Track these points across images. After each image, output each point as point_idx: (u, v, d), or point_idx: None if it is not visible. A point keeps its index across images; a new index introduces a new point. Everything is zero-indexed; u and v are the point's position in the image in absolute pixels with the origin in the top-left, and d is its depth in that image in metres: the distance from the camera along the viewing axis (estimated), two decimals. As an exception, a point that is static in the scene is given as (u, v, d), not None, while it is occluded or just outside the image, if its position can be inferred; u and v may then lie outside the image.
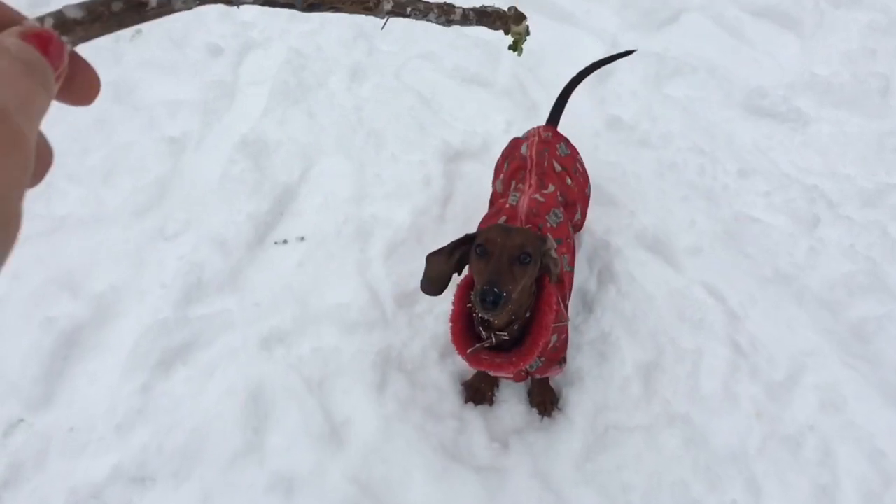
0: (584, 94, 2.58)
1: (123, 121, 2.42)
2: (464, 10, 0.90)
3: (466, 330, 1.54)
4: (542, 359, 1.55)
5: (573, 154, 1.96)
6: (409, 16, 0.72)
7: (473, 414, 1.79)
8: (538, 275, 1.43)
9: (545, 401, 1.82)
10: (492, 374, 1.65)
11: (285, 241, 2.18)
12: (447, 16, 0.86)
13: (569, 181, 1.85)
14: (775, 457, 1.72)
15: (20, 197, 0.29)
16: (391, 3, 0.71)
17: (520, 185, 1.78)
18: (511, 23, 0.98)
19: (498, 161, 1.99)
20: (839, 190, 2.23)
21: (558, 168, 1.85)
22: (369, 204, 2.25)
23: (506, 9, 0.93)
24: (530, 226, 1.60)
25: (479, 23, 0.90)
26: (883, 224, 2.12)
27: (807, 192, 2.20)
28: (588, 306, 2.01)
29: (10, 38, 0.32)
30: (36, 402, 1.80)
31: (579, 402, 1.78)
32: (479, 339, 1.50)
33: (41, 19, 0.35)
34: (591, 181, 2.24)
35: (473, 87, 2.66)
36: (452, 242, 1.49)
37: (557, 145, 1.90)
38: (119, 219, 2.15)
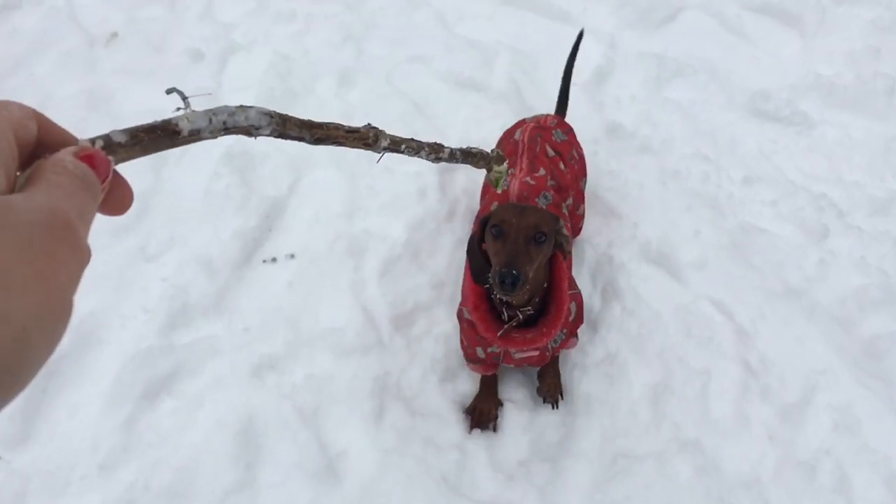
0: (582, 99, 2.53)
1: (99, 132, 2.32)
2: (451, 149, 0.88)
3: (489, 314, 1.55)
4: (564, 331, 1.61)
5: (571, 142, 1.98)
6: (402, 152, 0.76)
7: (476, 444, 1.73)
8: (552, 253, 1.47)
9: (554, 387, 1.82)
10: (519, 355, 1.65)
11: (274, 259, 2.11)
12: (436, 153, 0.85)
13: (562, 166, 1.86)
14: (789, 483, 1.68)
15: (75, 291, 0.34)
16: (388, 141, 0.73)
17: (510, 171, 1.77)
18: (493, 163, 0.98)
19: (497, 145, 1.99)
20: (848, 198, 2.19)
21: (551, 153, 1.86)
22: (362, 218, 2.18)
23: (489, 151, 0.93)
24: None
25: (465, 161, 0.91)
26: (894, 235, 2.08)
27: (815, 201, 2.16)
28: (593, 325, 1.95)
29: (67, 156, 0.38)
30: (13, 438, 1.73)
31: (587, 429, 1.73)
32: (502, 321, 1.53)
33: (92, 141, 0.42)
34: (592, 191, 2.20)
35: (468, 92, 2.59)
36: (476, 230, 1.52)
37: (554, 131, 1.93)
38: (97, 238, 2.06)
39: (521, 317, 1.50)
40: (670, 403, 1.80)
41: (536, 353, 1.64)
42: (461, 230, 2.15)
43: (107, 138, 0.42)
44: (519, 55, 2.68)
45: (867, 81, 2.53)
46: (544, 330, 1.50)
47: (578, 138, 2.10)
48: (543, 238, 1.38)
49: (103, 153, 0.40)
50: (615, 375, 1.85)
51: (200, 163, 2.26)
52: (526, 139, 1.85)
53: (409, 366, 1.87)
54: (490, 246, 1.42)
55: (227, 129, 0.51)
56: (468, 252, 1.55)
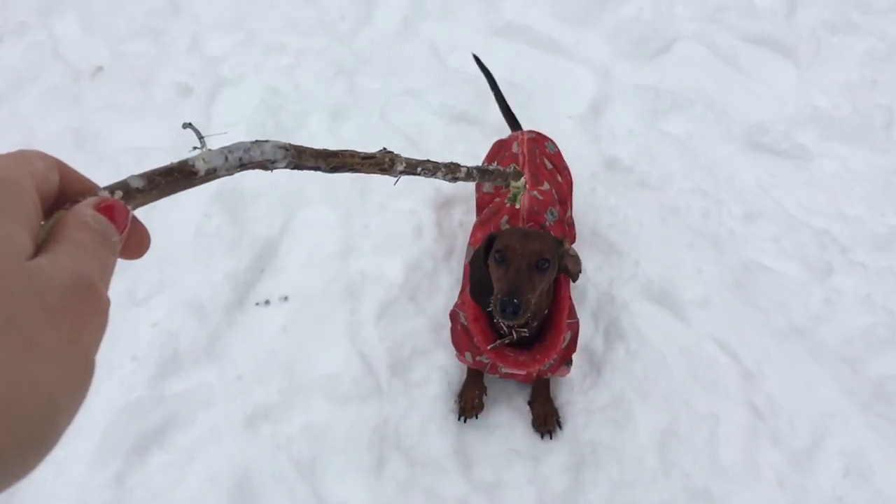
0: (579, 132, 2.54)
1: (86, 171, 2.24)
2: (468, 168, 0.87)
3: (487, 326, 1.59)
4: (555, 358, 1.61)
5: (560, 153, 2.03)
6: (419, 174, 0.76)
7: (478, 497, 1.71)
8: (556, 276, 1.50)
9: (547, 416, 1.84)
10: (505, 370, 1.67)
11: (267, 302, 2.08)
12: (453, 174, 0.85)
13: (559, 178, 1.92)
14: (803, 533, 1.66)
15: (97, 351, 0.35)
16: (403, 164, 0.73)
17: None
18: (511, 179, 0.97)
19: (484, 162, 2.01)
20: (850, 234, 2.20)
21: (549, 165, 1.91)
22: (357, 258, 2.16)
23: (505, 168, 0.99)
24: (532, 224, 1.65)
25: (482, 179, 0.91)
26: (898, 271, 2.09)
27: (817, 237, 2.17)
28: (596, 367, 1.94)
29: (87, 209, 0.38)
30: (-4, 497, 1.68)
31: (595, 481, 1.71)
32: (499, 334, 1.57)
33: (111, 190, 0.42)
34: (592, 228, 2.20)
35: (462, 126, 2.60)
36: (482, 244, 1.53)
37: (545, 143, 1.98)
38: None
39: (515, 336, 1.53)
40: (678, 450, 1.78)
41: (524, 374, 1.70)
42: (458, 270, 2.14)
43: (125, 185, 0.43)
44: (513, 88, 2.69)
45: (865, 114, 2.56)
46: (538, 356, 1.53)
47: (575, 173, 2.11)
48: (546, 265, 1.40)
49: (122, 203, 0.41)
50: (621, 421, 1.83)
51: (190, 202, 2.24)
52: (525, 151, 1.88)
53: (407, 413, 1.84)
54: (493, 270, 1.45)
55: (244, 166, 0.52)
56: (470, 266, 1.58)
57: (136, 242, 0.44)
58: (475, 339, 1.58)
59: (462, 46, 2.88)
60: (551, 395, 1.89)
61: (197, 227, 2.18)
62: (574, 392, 1.90)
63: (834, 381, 1.91)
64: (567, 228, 1.86)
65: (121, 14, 2.90)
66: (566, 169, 2.03)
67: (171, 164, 0.47)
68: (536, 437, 1.82)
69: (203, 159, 0.48)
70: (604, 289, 2.09)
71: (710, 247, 2.19)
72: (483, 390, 1.88)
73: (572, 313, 1.68)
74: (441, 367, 1.94)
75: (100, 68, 2.72)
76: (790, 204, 2.33)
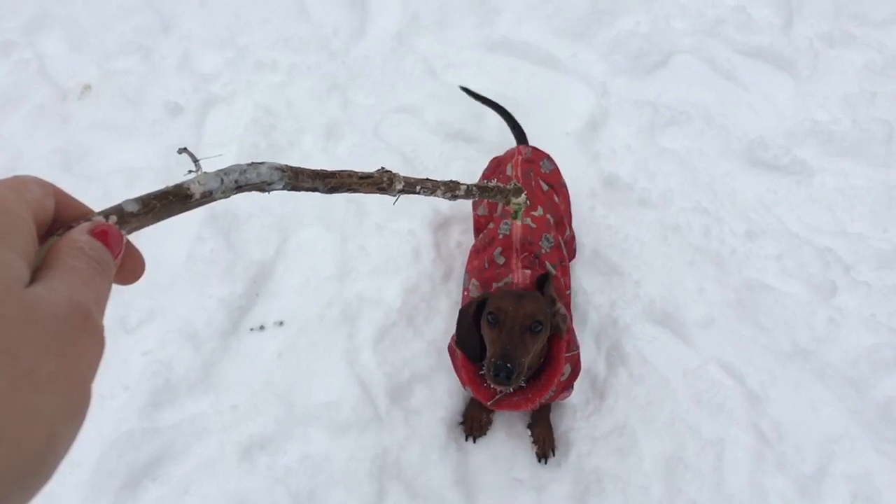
0: (577, 149, 2.54)
1: (75, 194, 2.23)
2: (468, 186, 0.87)
3: (477, 377, 1.59)
4: (554, 389, 1.61)
5: (557, 169, 2.03)
6: (418, 193, 0.76)
7: (483, 528, 1.69)
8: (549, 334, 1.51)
9: (546, 440, 1.85)
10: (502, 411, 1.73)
11: (262, 328, 2.06)
12: (452, 192, 0.85)
13: (556, 199, 1.92)
14: (812, 561, 1.65)
15: (93, 378, 0.35)
16: (402, 184, 0.73)
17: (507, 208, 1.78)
18: (511, 196, 0.97)
19: (480, 180, 2.00)
20: (853, 252, 2.20)
21: (545, 187, 1.91)
22: (354, 281, 2.14)
23: (505, 185, 0.98)
24: (526, 254, 1.66)
25: (482, 196, 0.91)
26: (902, 290, 2.10)
27: (820, 256, 2.17)
28: (599, 392, 1.93)
29: (82, 235, 0.39)
30: (-16, 536, 1.65)
31: (600, 512, 1.70)
32: (494, 391, 1.57)
33: (106, 215, 0.42)
34: (592, 248, 2.19)
35: (459, 144, 2.59)
36: (474, 301, 1.55)
37: (541, 162, 1.98)
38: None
39: (511, 390, 1.53)
40: (684, 477, 1.77)
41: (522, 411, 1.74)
42: (457, 292, 2.13)
43: (119, 210, 0.43)
44: (510, 104, 2.67)
45: (865, 128, 2.57)
46: (530, 395, 1.54)
47: (573, 190, 2.11)
48: (539, 328, 1.42)
49: (116, 228, 0.42)
50: (625, 448, 1.82)
51: (182, 225, 2.21)
52: (520, 174, 1.88)
53: (408, 442, 1.83)
54: (486, 332, 1.47)
55: (240, 188, 0.52)
56: (459, 324, 1.59)
57: (130, 268, 0.45)
58: (473, 394, 1.60)
59: (457, 62, 2.88)
60: (550, 420, 1.89)
61: (190, 251, 2.16)
62: (577, 418, 1.88)
63: (840, 404, 1.91)
64: (564, 252, 1.85)
65: (109, 31, 2.88)
66: (564, 186, 2.03)
67: (167, 187, 0.47)
68: (539, 466, 1.81)
69: (199, 182, 0.48)
70: (605, 311, 2.08)
71: (712, 266, 2.19)
72: (486, 410, 1.87)
73: (572, 344, 1.68)
74: (441, 393, 1.92)
75: (87, 87, 2.69)
76: (792, 221, 2.33)
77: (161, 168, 2.38)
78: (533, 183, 1.88)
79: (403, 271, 2.15)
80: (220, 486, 1.74)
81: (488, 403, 1.56)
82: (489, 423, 1.88)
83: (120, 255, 0.41)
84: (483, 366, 1.48)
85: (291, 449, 1.81)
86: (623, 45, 2.91)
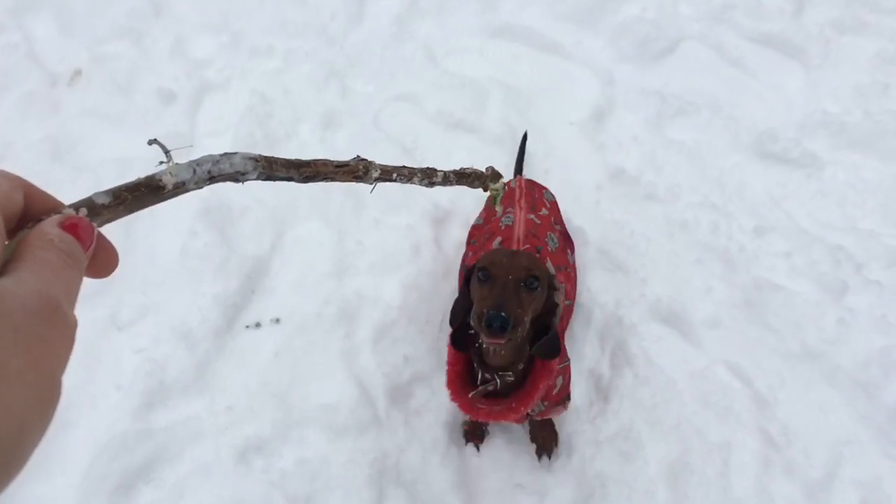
0: (582, 139, 2.49)
1: (65, 184, 2.23)
2: (444, 172, 0.85)
3: (465, 374, 1.49)
4: (545, 403, 1.54)
5: (556, 202, 1.97)
6: (395, 180, 0.75)
7: (485, 536, 1.67)
8: (542, 311, 1.37)
9: (547, 438, 1.78)
10: (490, 422, 1.63)
11: (258, 325, 2.03)
12: (429, 178, 0.83)
13: (557, 228, 1.85)
14: (820, 570, 1.63)
15: (63, 371, 0.35)
16: (378, 171, 0.72)
17: (508, 210, 1.75)
18: (489, 181, 0.95)
19: (481, 214, 1.95)
20: (864, 249, 2.16)
21: (547, 206, 1.86)
22: (352, 278, 2.10)
23: (483, 169, 0.94)
24: (528, 246, 1.58)
25: (459, 183, 0.89)
26: (914, 290, 2.06)
27: (831, 254, 2.12)
28: (603, 394, 1.90)
29: (52, 228, 0.39)
30: (-26, 540, 1.62)
31: (604, 518, 1.67)
32: (477, 384, 1.46)
33: (76, 208, 0.42)
34: (597, 245, 2.16)
35: (460, 134, 2.53)
36: (464, 277, 1.46)
37: (544, 191, 1.93)
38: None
39: (498, 383, 1.42)
40: (690, 482, 1.74)
41: (510, 422, 1.57)
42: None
43: (90, 202, 0.43)
44: (512, 92, 2.63)
45: (877, 119, 2.52)
46: (513, 405, 1.42)
47: (579, 184, 2.07)
48: (536, 284, 1.29)
49: (87, 220, 0.42)
50: (630, 452, 1.79)
51: (175, 219, 2.17)
52: (523, 185, 1.85)
53: (408, 445, 1.80)
54: (476, 292, 1.32)
55: (213, 178, 0.51)
56: (454, 306, 1.50)
57: (103, 261, 0.45)
58: (448, 389, 1.48)
59: (458, 48, 2.82)
60: (554, 428, 1.83)
61: (183, 246, 2.11)
62: (581, 421, 1.85)
63: (849, 407, 1.88)
64: (570, 259, 1.81)
65: (100, 14, 2.81)
66: (561, 223, 1.94)
67: (139, 179, 0.47)
68: (541, 470, 1.78)
69: (170, 173, 0.48)
70: (610, 310, 2.04)
71: (720, 263, 2.15)
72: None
73: (564, 356, 1.59)
74: (442, 394, 1.88)
75: (78, 72, 2.63)
76: (802, 217, 2.29)
77: (153, 158, 2.27)
78: (535, 194, 1.85)
79: (403, 268, 2.11)
80: (215, 490, 1.72)
81: (469, 395, 1.43)
82: (485, 427, 1.83)
83: (91, 248, 0.41)
84: (475, 352, 1.39)
85: (288, 452, 1.78)
86: (629, 31, 2.84)
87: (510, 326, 1.18)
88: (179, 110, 2.50)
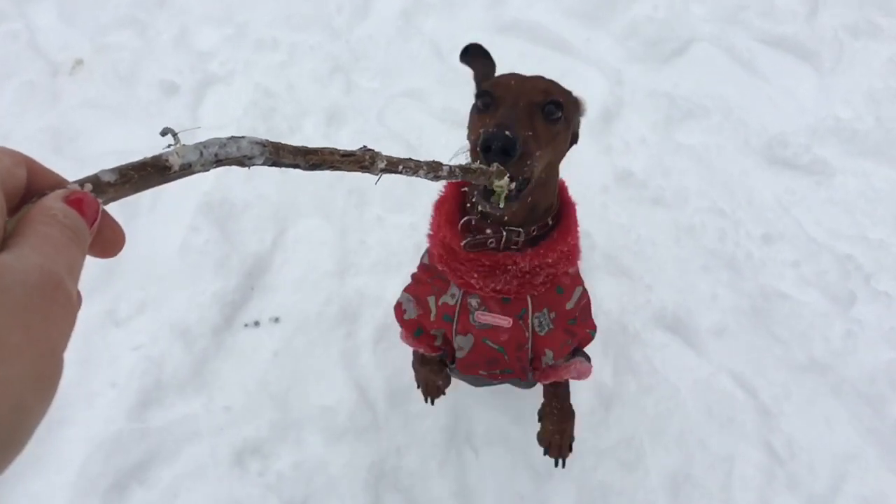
0: (589, 140, 2.46)
1: (65, 175, 2.19)
2: (450, 167, 0.84)
3: (456, 212, 1.17)
4: (557, 361, 1.28)
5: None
6: (400, 172, 0.76)
7: (483, 544, 1.65)
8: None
9: (560, 434, 1.47)
10: (480, 318, 1.21)
11: (257, 323, 2.01)
12: (435, 172, 0.82)
13: None
14: (822, 587, 1.62)
15: (65, 348, 0.35)
16: (384, 163, 0.72)
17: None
18: (494, 178, 0.93)
19: None
20: (874, 259, 2.14)
21: None
22: (354, 276, 2.08)
23: (488, 166, 0.89)
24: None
25: (465, 177, 0.87)
26: (924, 302, 2.04)
27: (839, 264, 2.10)
28: (605, 402, 1.88)
29: (56, 202, 0.38)
30: (-34, 538, 1.61)
31: (604, 530, 1.66)
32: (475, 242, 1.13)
33: (81, 183, 0.42)
34: (603, 249, 2.13)
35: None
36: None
37: None
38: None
39: (504, 236, 1.11)
40: (691, 495, 1.73)
41: (508, 323, 1.20)
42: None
43: (95, 179, 0.43)
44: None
45: (889, 127, 2.49)
46: (541, 251, 1.12)
47: (586, 185, 2.04)
48: (557, 114, 0.99)
49: (92, 196, 0.41)
50: (631, 462, 1.77)
51: (176, 214, 2.15)
52: None
53: (407, 450, 1.78)
54: (473, 124, 1.07)
55: (219, 162, 0.51)
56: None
57: (108, 239, 0.44)
58: (446, 237, 1.15)
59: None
60: (570, 404, 1.50)
61: (183, 242, 2.09)
62: (582, 428, 1.83)
63: (855, 421, 1.86)
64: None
65: (103, 4, 2.77)
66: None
67: (145, 158, 0.46)
68: (542, 479, 1.76)
69: (177, 154, 0.47)
70: (615, 317, 2.02)
71: (727, 271, 2.12)
72: (437, 363, 1.47)
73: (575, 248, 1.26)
74: (443, 398, 1.87)
75: (80, 62, 2.60)
76: (810, 224, 2.26)
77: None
78: None
79: (405, 267, 2.09)
80: (210, 491, 1.70)
81: (462, 244, 1.11)
82: (445, 379, 1.54)
83: (95, 225, 0.41)
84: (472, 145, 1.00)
85: (285, 454, 1.76)
86: (639, 31, 2.81)
87: (516, 151, 0.88)
88: (182, 103, 2.48)
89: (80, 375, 1.84)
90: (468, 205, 1.16)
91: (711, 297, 2.07)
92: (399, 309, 1.41)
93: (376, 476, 1.73)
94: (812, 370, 1.93)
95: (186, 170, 0.48)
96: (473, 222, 1.15)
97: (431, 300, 1.29)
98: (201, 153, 0.49)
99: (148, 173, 0.46)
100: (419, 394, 1.87)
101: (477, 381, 1.54)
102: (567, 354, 1.33)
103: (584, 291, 1.32)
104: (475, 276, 1.13)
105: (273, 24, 2.76)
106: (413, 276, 1.41)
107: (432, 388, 1.61)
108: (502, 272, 1.13)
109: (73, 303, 0.36)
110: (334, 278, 2.08)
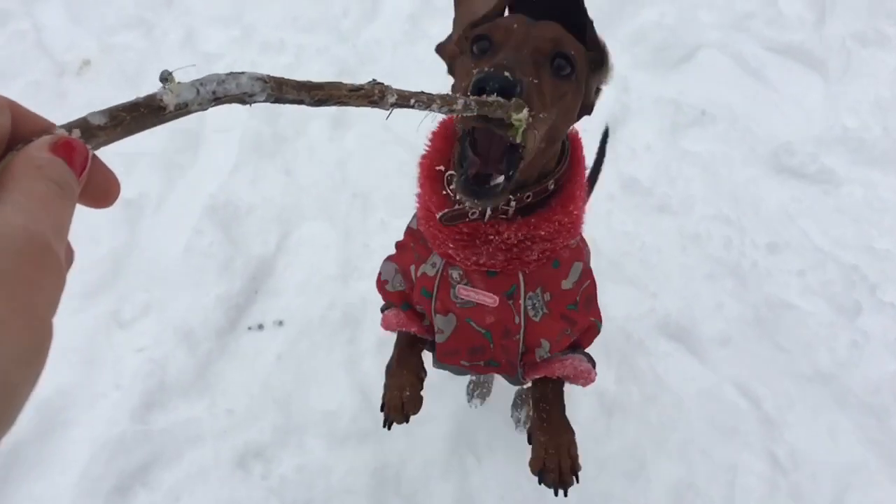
0: (595, 147, 2.45)
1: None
2: (465, 99, 0.78)
3: (439, 166, 0.99)
4: (553, 353, 1.07)
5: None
6: (412, 107, 0.70)
7: (484, 552, 1.65)
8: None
9: (559, 449, 1.10)
10: (462, 295, 1.03)
11: (261, 326, 2.01)
12: (449, 105, 0.77)
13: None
14: None
15: (53, 315, 0.32)
16: (395, 97, 0.68)
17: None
18: (512, 111, 0.82)
19: None
20: (879, 270, 2.14)
21: None
22: (357, 281, 2.09)
23: (505, 100, 0.74)
24: None
25: (481, 111, 0.77)
26: (929, 314, 2.04)
27: (845, 274, 2.10)
28: (608, 411, 1.88)
29: (41, 152, 0.35)
30: (-32, 537, 1.62)
31: (606, 540, 1.66)
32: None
33: (68, 128, 0.39)
34: (608, 257, 2.13)
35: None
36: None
37: None
38: (67, 302, 1.94)
39: (489, 209, 0.92)
40: (694, 505, 1.73)
41: (494, 302, 1.02)
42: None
43: (84, 123, 0.39)
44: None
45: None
46: (532, 221, 0.93)
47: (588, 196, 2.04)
48: (568, 69, 0.81)
49: (81, 142, 0.38)
50: (634, 471, 1.77)
51: (181, 216, 2.16)
52: None
53: (409, 456, 1.78)
54: (463, 73, 0.86)
55: (218, 99, 0.47)
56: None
57: (100, 188, 0.41)
58: (428, 201, 0.97)
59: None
60: (566, 419, 1.14)
61: (188, 244, 2.10)
62: (584, 438, 1.83)
63: (859, 432, 1.86)
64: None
65: (110, 4, 2.79)
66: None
67: (137, 98, 0.42)
68: (544, 488, 1.76)
69: (172, 91, 0.43)
70: (618, 324, 2.02)
71: (732, 280, 2.12)
72: (417, 374, 1.22)
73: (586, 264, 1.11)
74: (447, 405, 1.88)
75: (86, 62, 2.62)
76: (816, 234, 2.26)
77: (161, 153, 2.31)
78: None
79: (410, 273, 2.10)
80: (212, 494, 1.71)
81: (438, 216, 0.93)
82: (418, 401, 1.21)
83: (84, 174, 0.38)
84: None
85: (287, 458, 1.77)
86: (646, 37, 2.82)
87: (517, 89, 0.71)
88: (188, 104, 2.48)
89: (85, 377, 1.85)
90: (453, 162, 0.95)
91: (716, 306, 2.07)
92: (380, 280, 1.22)
93: (378, 482, 1.73)
94: (816, 380, 1.93)
95: (182, 109, 0.45)
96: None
97: (413, 270, 1.11)
98: (198, 91, 0.46)
99: (141, 114, 0.43)
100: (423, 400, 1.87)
101: (458, 370, 1.30)
102: (565, 349, 1.11)
103: (587, 271, 1.10)
104: (451, 245, 0.97)
105: (280, 26, 2.77)
106: (398, 244, 1.22)
107: (396, 406, 1.20)
108: (483, 243, 0.95)
109: (60, 265, 0.33)
110: (338, 282, 2.08)
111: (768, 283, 2.12)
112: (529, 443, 1.13)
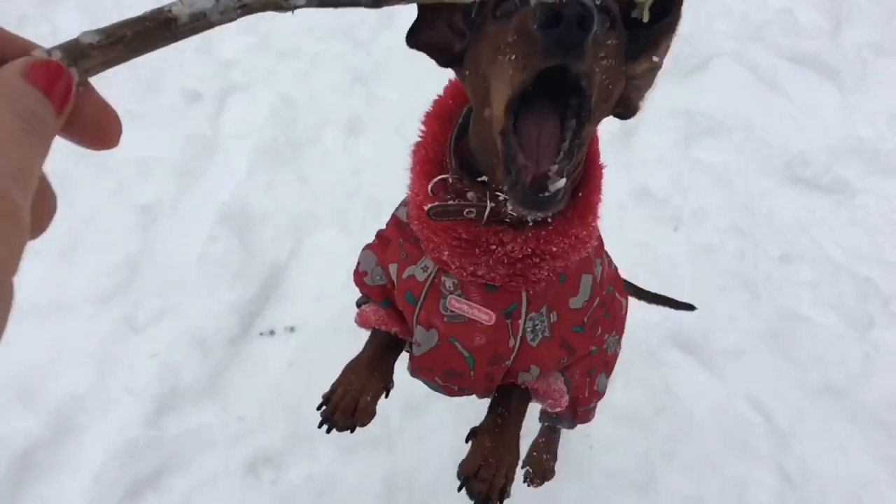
0: (606, 157, 2.45)
1: (88, 183, 2.23)
2: None
3: (435, 159, 0.87)
4: (535, 378, 0.99)
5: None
6: None
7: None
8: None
9: (498, 463, 0.99)
10: (452, 307, 0.91)
11: (272, 333, 2.03)
12: None
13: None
14: None
15: (14, 273, 0.28)
16: None
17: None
18: None
19: None
20: (893, 283, 2.13)
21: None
22: (369, 289, 2.10)
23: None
24: None
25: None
26: (943, 329, 2.03)
27: (858, 286, 2.10)
28: (616, 421, 1.88)
29: (14, 77, 0.30)
30: (-17, 540, 1.64)
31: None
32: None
33: (49, 51, 0.33)
34: (619, 266, 2.13)
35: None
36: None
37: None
38: (81, 306, 1.98)
39: (488, 207, 0.80)
40: (703, 519, 1.73)
41: (490, 319, 0.90)
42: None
43: (72, 43, 0.34)
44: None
45: (912, 148, 2.48)
46: (544, 235, 0.81)
47: (603, 201, 2.04)
48: (608, 24, 0.66)
49: (62, 65, 0.32)
50: (643, 484, 1.78)
51: (195, 222, 2.18)
52: None
53: (420, 464, 1.79)
54: (491, 46, 0.67)
55: (245, 7, 0.38)
56: None
57: (96, 123, 0.36)
58: (417, 195, 0.85)
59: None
60: (518, 438, 1.04)
61: (202, 250, 2.12)
62: (593, 450, 1.84)
63: (871, 447, 1.86)
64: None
65: (128, 8, 2.79)
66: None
67: (143, 13, 0.36)
68: (555, 499, 1.77)
69: (183, 2, 0.36)
70: (629, 335, 2.02)
71: (745, 291, 2.12)
72: (384, 384, 1.14)
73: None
74: (459, 411, 1.88)
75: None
76: (830, 245, 2.26)
77: (177, 159, 2.34)
78: None
79: (421, 281, 2.11)
80: (223, 500, 1.72)
81: (426, 208, 0.82)
82: (370, 413, 1.11)
83: (68, 106, 0.32)
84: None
85: (297, 466, 1.78)
86: (661, 46, 2.81)
87: (591, 22, 0.55)
88: (204, 111, 2.51)
89: (98, 382, 1.87)
90: (452, 151, 0.86)
91: (729, 318, 2.07)
92: (358, 272, 1.13)
93: (389, 490, 1.74)
94: (828, 394, 1.93)
95: (200, 21, 0.37)
96: (451, 180, 0.83)
97: (394, 268, 0.98)
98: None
99: (147, 29, 0.36)
100: (434, 406, 1.89)
101: (433, 386, 1.15)
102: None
103: (598, 285, 0.96)
104: (447, 252, 0.85)
105: (296, 33, 2.79)
106: (379, 233, 1.09)
107: (347, 410, 1.08)
108: (483, 252, 0.83)
109: (21, 219, 0.28)
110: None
111: (781, 296, 2.11)
112: (467, 441, 1.03)
